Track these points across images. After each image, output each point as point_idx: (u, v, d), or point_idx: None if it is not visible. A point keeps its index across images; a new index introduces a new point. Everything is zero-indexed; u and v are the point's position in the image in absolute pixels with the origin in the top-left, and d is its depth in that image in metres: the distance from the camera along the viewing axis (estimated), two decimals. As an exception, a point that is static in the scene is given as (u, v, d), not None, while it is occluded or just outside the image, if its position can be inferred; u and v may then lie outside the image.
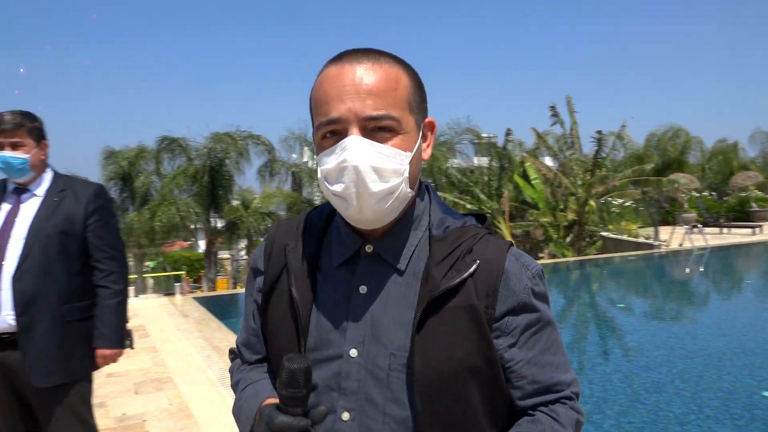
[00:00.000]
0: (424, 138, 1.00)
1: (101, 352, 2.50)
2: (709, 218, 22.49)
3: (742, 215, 24.28)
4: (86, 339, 2.48)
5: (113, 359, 2.56)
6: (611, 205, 21.42)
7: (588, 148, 20.74)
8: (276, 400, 0.92)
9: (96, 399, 2.82)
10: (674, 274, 14.01)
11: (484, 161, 23.63)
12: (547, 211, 19.46)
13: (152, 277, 19.27)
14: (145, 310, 9.38)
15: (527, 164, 20.41)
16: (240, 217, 20.18)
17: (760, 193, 26.75)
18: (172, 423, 4.20)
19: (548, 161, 22.19)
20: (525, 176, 20.52)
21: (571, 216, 19.13)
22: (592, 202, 18.98)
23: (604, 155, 19.96)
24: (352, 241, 1.01)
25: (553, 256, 18.90)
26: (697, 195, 25.54)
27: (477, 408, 0.95)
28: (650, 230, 19.41)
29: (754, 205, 24.83)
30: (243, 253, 24.61)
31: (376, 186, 0.89)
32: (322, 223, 1.07)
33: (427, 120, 1.01)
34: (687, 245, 16.85)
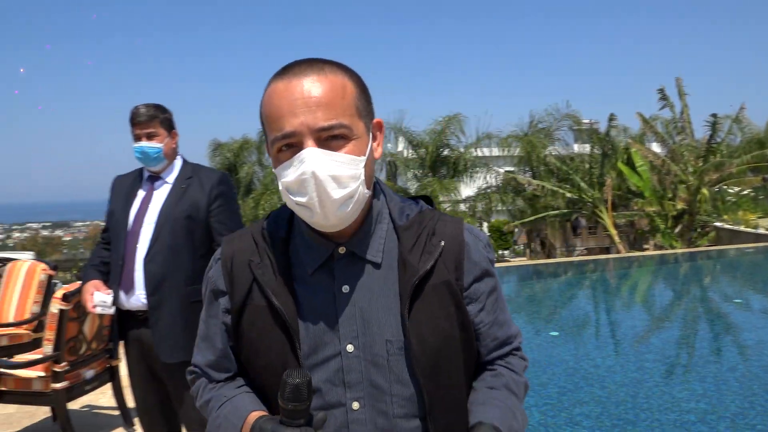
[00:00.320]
0: (374, 138, 1.05)
1: None
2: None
3: None
4: None
5: None
6: (726, 193, 19.96)
7: (700, 133, 19.48)
8: (264, 413, 1.00)
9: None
10: (800, 268, 12.86)
11: (585, 148, 22.77)
12: (653, 199, 18.48)
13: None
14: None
15: (632, 151, 19.45)
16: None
17: None
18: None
19: (655, 147, 21.03)
20: (630, 163, 19.59)
21: (680, 205, 18.08)
22: (704, 191, 17.78)
23: (719, 140, 18.63)
24: (323, 246, 1.05)
25: (660, 248, 17.96)
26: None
27: (461, 368, 1.07)
28: (771, 221, 17.94)
29: None
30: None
31: (336, 193, 0.94)
32: (282, 233, 1.09)
33: (375, 120, 1.06)
34: (815, 237, 15.39)
